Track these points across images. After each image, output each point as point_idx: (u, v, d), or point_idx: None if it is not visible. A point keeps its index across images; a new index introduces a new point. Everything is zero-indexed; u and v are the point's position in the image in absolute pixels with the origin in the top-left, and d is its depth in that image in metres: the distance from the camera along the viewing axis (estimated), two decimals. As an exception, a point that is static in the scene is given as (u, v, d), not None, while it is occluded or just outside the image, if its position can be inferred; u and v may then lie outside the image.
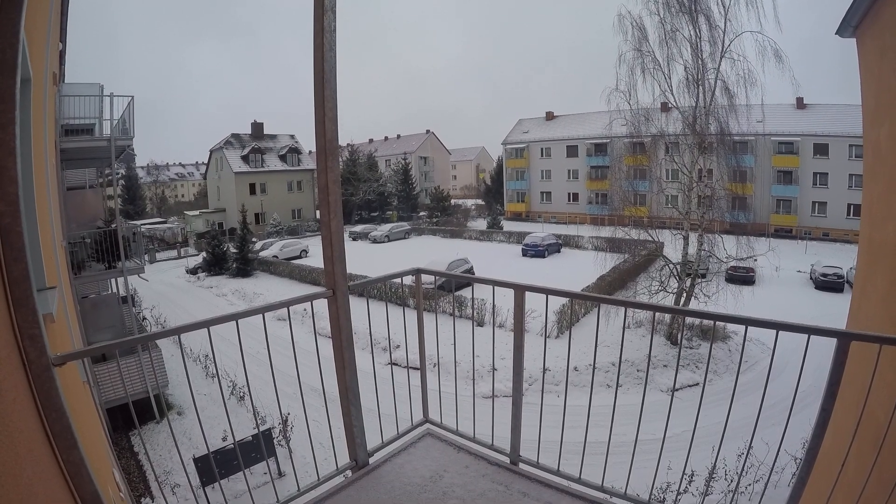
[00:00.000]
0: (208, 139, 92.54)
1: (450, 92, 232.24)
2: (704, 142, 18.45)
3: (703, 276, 19.76)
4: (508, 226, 51.33)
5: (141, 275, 13.80)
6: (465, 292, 21.83)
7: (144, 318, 22.15)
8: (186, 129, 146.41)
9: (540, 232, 40.49)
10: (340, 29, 2.74)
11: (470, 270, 27.55)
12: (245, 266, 34.35)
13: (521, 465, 3.27)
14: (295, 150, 58.46)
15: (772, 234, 37.88)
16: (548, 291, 3.02)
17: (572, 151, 55.51)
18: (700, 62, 17.85)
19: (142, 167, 77.12)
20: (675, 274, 19.62)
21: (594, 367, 3.29)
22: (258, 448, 10.38)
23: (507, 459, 3.31)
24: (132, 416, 3.11)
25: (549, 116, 61.57)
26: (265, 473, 10.95)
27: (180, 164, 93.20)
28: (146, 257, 25.42)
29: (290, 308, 2.83)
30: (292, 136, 60.86)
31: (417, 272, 3.68)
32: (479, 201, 69.99)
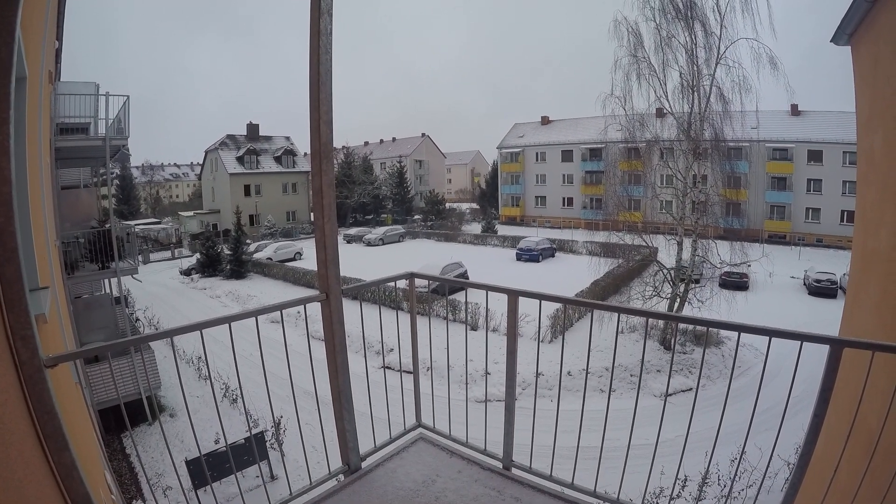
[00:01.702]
0: (204, 139, 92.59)
1: (448, 93, 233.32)
2: (699, 148, 18.55)
3: (697, 281, 19.82)
4: (503, 230, 51.42)
5: (134, 275, 13.73)
6: (459, 296, 21.82)
7: (137, 319, 22.02)
8: (183, 129, 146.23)
9: (534, 236, 40.58)
10: (340, 28, 2.74)
11: (464, 274, 27.55)
12: (239, 268, 34.26)
13: (514, 470, 3.27)
14: (290, 152, 58.45)
15: (765, 239, 38.06)
16: (541, 297, 3.02)
17: (567, 156, 55.68)
18: (695, 68, 17.96)
19: (136, 167, 76.92)
20: (669, 279, 19.68)
21: (587, 372, 3.29)
22: (250, 451, 10.33)
23: (499, 464, 3.31)
24: (124, 417, 3.09)
25: (545, 121, 61.75)
26: (257, 477, 10.89)
27: (175, 165, 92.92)
28: (140, 258, 25.32)
29: (284, 311, 2.82)
30: (287, 138, 60.87)
31: (411, 276, 3.68)
32: (474, 205, 70.17)
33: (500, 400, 3.52)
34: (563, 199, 56.50)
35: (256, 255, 37.52)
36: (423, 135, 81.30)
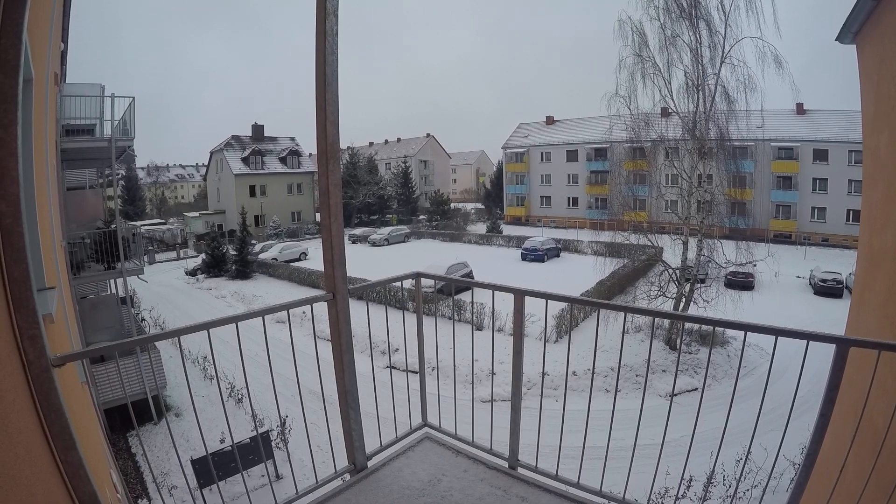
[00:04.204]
0: (210, 140, 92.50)
1: (453, 93, 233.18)
2: (704, 147, 18.48)
3: (703, 281, 19.76)
4: (508, 230, 51.41)
5: (140, 276, 13.80)
6: (465, 296, 21.80)
7: (143, 320, 22.13)
8: (188, 130, 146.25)
9: (539, 236, 40.48)
10: (346, 27, 2.74)
11: (469, 274, 27.52)
12: (244, 268, 34.32)
13: (520, 470, 3.27)
14: (295, 153, 58.55)
15: (771, 239, 37.87)
16: (547, 296, 3.01)
17: (572, 156, 55.57)
18: (700, 67, 17.90)
19: (142, 168, 77.20)
20: (675, 279, 19.62)
21: (593, 372, 3.28)
22: (256, 450, 10.36)
23: (505, 464, 3.31)
24: (130, 416, 3.11)
25: (550, 121, 61.67)
26: (263, 476, 10.92)
27: (180, 166, 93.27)
28: (145, 258, 25.40)
29: (290, 311, 2.83)
30: (293, 139, 61.00)
31: (417, 276, 3.68)
32: (479, 205, 70.09)
33: (505, 400, 3.52)
34: (568, 198, 56.40)
35: (262, 256, 37.60)
36: (428, 135, 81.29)
